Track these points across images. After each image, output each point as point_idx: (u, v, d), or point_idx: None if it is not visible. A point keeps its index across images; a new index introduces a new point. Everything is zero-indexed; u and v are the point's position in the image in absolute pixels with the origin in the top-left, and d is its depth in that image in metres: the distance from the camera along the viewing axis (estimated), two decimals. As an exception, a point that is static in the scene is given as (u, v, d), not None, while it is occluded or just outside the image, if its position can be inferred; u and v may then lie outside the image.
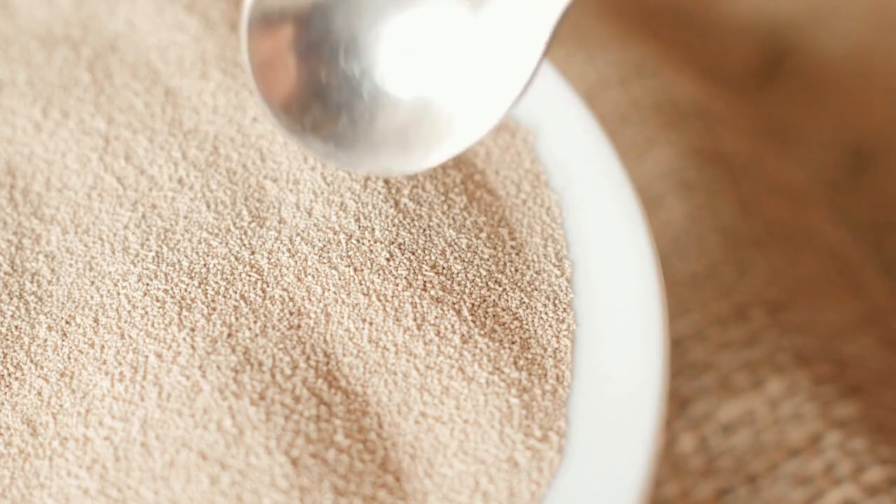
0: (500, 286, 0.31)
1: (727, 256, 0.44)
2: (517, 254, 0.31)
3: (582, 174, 0.33)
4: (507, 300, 0.30)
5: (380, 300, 0.30)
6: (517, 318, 0.30)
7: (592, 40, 0.51)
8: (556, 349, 0.30)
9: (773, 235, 0.45)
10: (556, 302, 0.30)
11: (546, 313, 0.30)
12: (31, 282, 0.31)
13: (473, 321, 0.30)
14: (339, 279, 0.30)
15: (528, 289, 0.31)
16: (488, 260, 0.31)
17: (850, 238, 0.47)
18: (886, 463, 0.39)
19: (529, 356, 0.29)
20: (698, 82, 0.51)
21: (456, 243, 0.31)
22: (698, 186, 0.46)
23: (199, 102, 0.34)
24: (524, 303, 0.30)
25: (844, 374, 0.41)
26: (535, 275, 0.31)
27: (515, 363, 0.29)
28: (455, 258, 0.31)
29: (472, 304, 0.30)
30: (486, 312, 0.30)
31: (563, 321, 0.30)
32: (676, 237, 0.45)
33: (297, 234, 0.31)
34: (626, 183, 0.32)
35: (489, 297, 0.31)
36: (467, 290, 0.30)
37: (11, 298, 0.31)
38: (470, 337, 0.30)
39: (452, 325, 0.30)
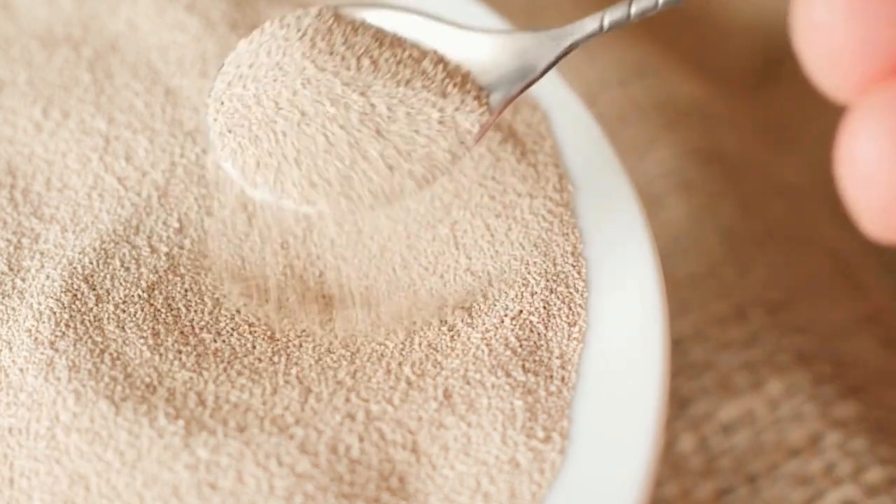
0: None
1: (727, 256, 0.44)
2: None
3: (582, 175, 0.33)
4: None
5: None
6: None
7: (592, 41, 0.51)
8: (564, 351, 0.30)
9: (773, 235, 0.45)
10: (571, 305, 0.30)
11: (560, 317, 0.30)
12: (23, 280, 0.31)
13: None
14: None
15: (545, 293, 0.31)
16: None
17: (850, 238, 0.47)
18: (886, 463, 0.39)
19: (537, 358, 0.29)
20: (698, 82, 0.51)
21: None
22: (698, 186, 0.46)
23: (199, 102, 0.34)
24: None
25: (844, 374, 0.41)
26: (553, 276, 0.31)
27: (524, 366, 0.29)
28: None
29: None
30: None
31: (574, 324, 0.30)
32: (676, 237, 0.45)
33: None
34: (626, 183, 0.32)
35: None
36: None
37: (3, 298, 0.31)
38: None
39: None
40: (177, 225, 0.32)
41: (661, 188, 0.46)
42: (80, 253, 0.31)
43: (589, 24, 0.29)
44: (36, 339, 0.29)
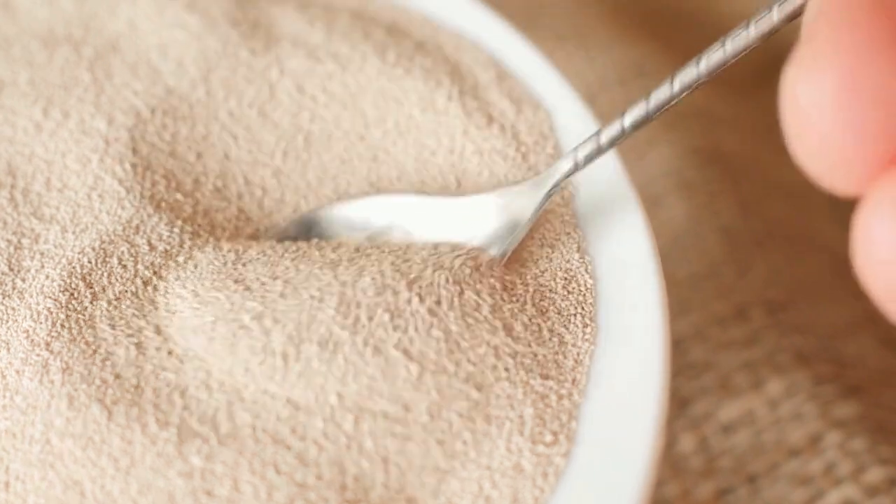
0: None
1: (727, 256, 0.44)
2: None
3: (582, 175, 0.33)
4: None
5: None
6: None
7: (592, 40, 0.51)
8: (578, 353, 0.29)
9: (773, 235, 0.45)
10: (584, 305, 0.30)
11: (575, 323, 0.30)
12: (23, 280, 0.31)
13: None
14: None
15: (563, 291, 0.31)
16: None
17: (850, 238, 0.47)
18: (886, 463, 0.39)
19: (555, 360, 0.29)
20: (698, 82, 0.51)
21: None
22: (698, 186, 0.46)
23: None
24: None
25: (844, 374, 0.41)
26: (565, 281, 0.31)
27: (541, 373, 0.29)
28: None
29: None
30: None
31: (587, 326, 0.30)
32: (676, 237, 0.45)
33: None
34: (626, 183, 0.32)
35: None
36: None
37: (3, 298, 0.31)
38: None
39: None
40: (178, 225, 0.32)
41: (661, 188, 0.46)
42: (79, 253, 0.31)
43: (564, 164, 0.30)
44: (32, 340, 0.29)
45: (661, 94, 0.28)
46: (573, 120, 0.33)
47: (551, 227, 0.31)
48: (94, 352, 0.29)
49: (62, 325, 0.29)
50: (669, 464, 0.40)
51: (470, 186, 0.33)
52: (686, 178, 0.46)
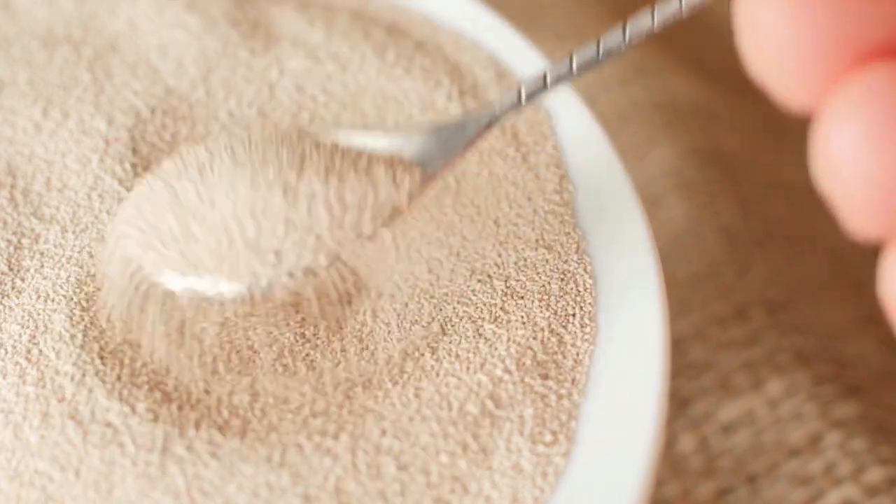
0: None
1: (727, 256, 0.44)
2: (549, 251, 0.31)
3: (582, 175, 0.33)
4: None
5: None
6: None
7: (592, 41, 0.51)
8: (577, 352, 0.29)
9: (773, 235, 0.45)
10: (582, 305, 0.30)
11: (575, 317, 0.30)
12: (22, 280, 0.31)
13: None
14: None
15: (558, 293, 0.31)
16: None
17: (849, 238, 0.47)
18: (886, 463, 0.39)
19: (554, 361, 0.29)
20: (698, 82, 0.51)
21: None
22: (698, 186, 0.46)
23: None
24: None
25: (844, 374, 0.41)
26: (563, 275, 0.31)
27: (540, 372, 0.29)
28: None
29: None
30: None
31: (586, 326, 0.30)
32: (676, 237, 0.45)
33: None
34: (626, 183, 0.32)
35: None
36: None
37: (3, 298, 0.30)
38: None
39: None
40: None
41: (661, 188, 0.46)
42: (79, 252, 0.31)
43: (507, 98, 0.30)
44: (15, 347, 0.29)
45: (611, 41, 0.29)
46: (573, 120, 0.33)
47: (550, 227, 0.31)
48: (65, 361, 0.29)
49: (44, 329, 0.29)
50: (669, 464, 0.40)
51: (469, 187, 0.33)
52: (686, 178, 0.46)
